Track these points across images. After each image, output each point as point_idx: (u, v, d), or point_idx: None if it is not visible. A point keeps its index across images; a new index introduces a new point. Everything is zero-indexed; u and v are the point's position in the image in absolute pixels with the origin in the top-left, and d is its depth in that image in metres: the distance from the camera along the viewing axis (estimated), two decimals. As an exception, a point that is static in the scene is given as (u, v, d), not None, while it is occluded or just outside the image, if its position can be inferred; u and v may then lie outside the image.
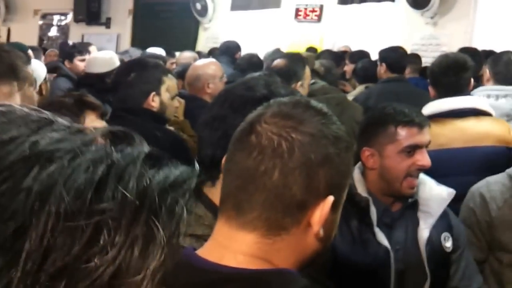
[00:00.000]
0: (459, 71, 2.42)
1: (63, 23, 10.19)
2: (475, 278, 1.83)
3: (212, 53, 5.86)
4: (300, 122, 0.82)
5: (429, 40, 6.02)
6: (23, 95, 1.56)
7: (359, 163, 1.78)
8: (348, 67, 5.00)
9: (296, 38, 7.65)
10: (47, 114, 0.45)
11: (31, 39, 8.88)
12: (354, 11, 7.13)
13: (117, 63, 3.88)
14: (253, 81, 1.27)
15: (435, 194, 1.73)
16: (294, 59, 2.96)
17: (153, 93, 2.32)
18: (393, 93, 3.46)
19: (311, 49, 6.02)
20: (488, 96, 2.82)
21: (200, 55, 5.14)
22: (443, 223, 1.77)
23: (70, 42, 7.04)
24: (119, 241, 0.40)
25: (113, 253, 0.40)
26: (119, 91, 2.40)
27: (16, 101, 1.52)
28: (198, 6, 8.62)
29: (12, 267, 0.37)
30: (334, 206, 0.84)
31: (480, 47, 5.02)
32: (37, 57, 4.42)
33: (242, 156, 0.82)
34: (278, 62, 2.96)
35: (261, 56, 4.58)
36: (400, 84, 3.71)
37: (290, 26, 7.79)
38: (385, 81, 3.78)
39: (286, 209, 0.80)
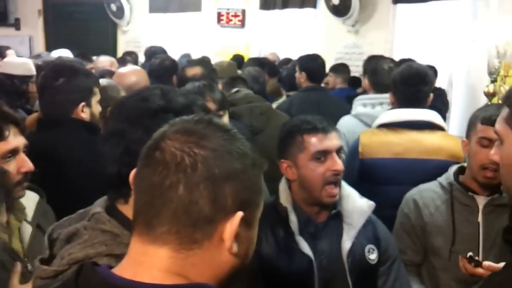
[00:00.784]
0: (419, 83, 2.47)
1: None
2: None
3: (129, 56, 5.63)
4: (202, 138, 0.84)
5: (352, 48, 6.11)
6: None
7: None
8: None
9: (221, 44, 7.56)
10: None
11: None
12: (277, 17, 7.13)
13: (33, 69, 3.77)
14: (148, 92, 1.20)
15: (357, 207, 1.80)
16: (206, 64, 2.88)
17: (83, 103, 2.14)
18: (314, 101, 3.48)
19: (237, 56, 5.92)
20: (365, 105, 2.94)
21: (125, 60, 4.86)
22: (368, 235, 1.81)
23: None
24: None
25: None
26: (45, 96, 2.20)
27: None
28: (113, 7, 8.29)
29: None
30: (247, 222, 0.86)
31: (400, 56, 5.16)
32: None
33: (148, 172, 0.84)
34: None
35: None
36: (319, 93, 3.73)
37: (214, 30, 7.69)
38: (305, 90, 3.78)
39: (196, 223, 0.82)
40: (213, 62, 4.51)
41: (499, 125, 1.14)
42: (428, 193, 2.07)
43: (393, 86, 2.58)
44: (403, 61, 3.65)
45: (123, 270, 0.84)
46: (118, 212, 1.13)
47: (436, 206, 2.02)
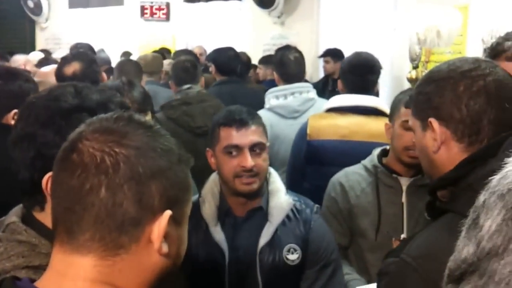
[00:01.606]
0: (366, 73, 2.57)
1: None
2: None
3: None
4: (123, 136, 0.79)
5: (279, 40, 6.11)
6: None
7: None
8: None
9: (146, 38, 7.39)
10: None
11: None
12: (202, 10, 7.05)
13: None
14: (59, 90, 1.12)
15: (278, 203, 1.79)
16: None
17: (15, 110, 1.99)
18: (228, 94, 3.45)
19: (163, 50, 5.78)
20: (277, 97, 3.01)
21: (49, 60, 4.60)
22: (293, 234, 1.77)
23: None
24: None
25: None
26: None
27: None
28: (30, 4, 7.95)
29: None
30: (176, 221, 0.83)
31: (326, 46, 5.22)
32: None
33: (65, 177, 0.79)
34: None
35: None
36: (233, 86, 3.70)
37: (138, 25, 7.50)
38: (218, 83, 3.76)
39: (121, 227, 0.77)
40: (137, 57, 4.36)
41: (410, 119, 1.25)
42: (353, 176, 2.09)
43: (342, 74, 2.65)
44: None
45: (47, 283, 0.79)
46: (35, 221, 1.07)
47: (362, 189, 2.05)
